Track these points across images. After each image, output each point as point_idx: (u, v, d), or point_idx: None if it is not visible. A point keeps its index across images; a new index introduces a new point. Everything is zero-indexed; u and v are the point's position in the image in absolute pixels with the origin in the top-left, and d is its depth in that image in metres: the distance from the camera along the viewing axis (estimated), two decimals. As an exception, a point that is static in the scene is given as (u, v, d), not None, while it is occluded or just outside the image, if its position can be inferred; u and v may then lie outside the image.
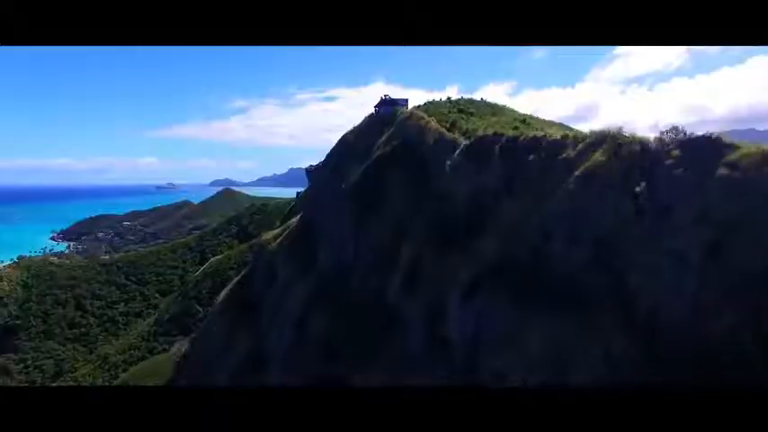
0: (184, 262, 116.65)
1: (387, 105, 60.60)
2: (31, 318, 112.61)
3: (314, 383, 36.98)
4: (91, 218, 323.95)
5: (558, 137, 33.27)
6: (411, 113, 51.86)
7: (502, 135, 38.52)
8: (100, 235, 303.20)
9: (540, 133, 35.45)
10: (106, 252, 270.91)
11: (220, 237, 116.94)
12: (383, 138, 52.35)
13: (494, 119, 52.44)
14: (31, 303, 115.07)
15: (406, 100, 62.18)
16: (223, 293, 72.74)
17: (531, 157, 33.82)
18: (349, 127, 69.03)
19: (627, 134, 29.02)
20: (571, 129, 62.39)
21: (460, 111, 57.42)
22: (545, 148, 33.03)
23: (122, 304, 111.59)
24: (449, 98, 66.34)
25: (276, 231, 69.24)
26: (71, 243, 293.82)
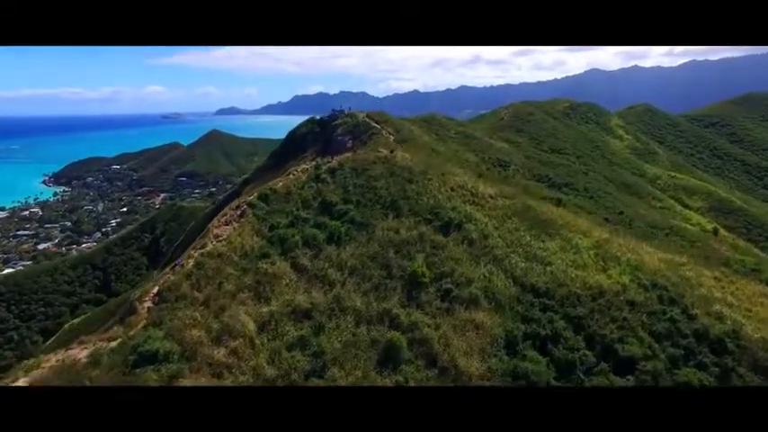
0: (82, 285, 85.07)
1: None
2: None
3: None
4: (82, 161, 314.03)
5: None
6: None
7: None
8: (89, 179, 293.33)
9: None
10: (92, 201, 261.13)
11: (129, 249, 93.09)
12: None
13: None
14: None
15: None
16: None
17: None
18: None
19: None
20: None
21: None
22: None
23: (-8, 353, 78.85)
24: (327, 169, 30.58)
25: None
26: (61, 188, 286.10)
